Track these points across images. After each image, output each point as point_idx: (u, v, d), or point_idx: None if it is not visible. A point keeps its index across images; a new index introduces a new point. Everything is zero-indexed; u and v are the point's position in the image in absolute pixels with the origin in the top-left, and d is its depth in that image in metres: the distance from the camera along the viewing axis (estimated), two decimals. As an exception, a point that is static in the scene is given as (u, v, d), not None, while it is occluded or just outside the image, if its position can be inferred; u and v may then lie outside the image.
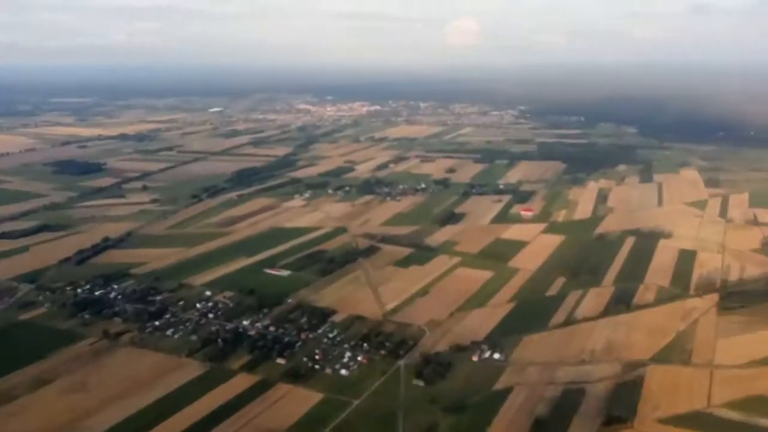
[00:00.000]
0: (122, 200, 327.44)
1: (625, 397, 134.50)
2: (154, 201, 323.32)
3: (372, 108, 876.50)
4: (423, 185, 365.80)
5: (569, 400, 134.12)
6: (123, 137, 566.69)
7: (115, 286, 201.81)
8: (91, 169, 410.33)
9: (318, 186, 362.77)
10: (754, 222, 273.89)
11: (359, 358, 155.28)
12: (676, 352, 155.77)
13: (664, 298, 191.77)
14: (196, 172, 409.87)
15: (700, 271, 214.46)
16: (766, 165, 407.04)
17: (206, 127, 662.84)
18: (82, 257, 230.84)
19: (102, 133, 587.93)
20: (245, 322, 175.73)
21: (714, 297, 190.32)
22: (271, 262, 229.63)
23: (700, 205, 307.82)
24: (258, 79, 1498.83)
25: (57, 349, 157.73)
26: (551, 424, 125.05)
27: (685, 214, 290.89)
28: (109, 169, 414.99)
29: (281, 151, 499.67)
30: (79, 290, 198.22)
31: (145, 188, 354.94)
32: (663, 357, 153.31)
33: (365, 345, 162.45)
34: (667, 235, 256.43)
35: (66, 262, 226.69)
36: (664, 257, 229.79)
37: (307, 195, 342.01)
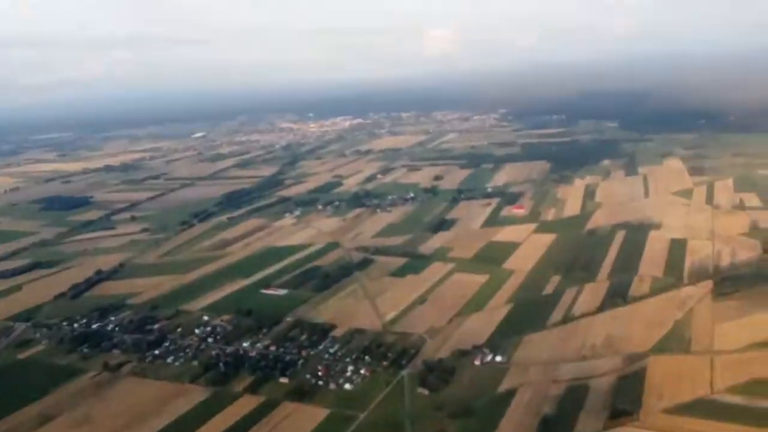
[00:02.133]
0: (112, 232, 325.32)
1: (628, 389, 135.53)
2: (144, 230, 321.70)
3: (355, 122, 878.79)
4: (412, 194, 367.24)
5: (574, 397, 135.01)
6: (108, 169, 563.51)
7: (112, 318, 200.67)
8: (78, 203, 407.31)
9: (307, 203, 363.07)
10: (741, 207, 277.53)
11: (362, 371, 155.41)
12: (675, 341, 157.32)
13: (658, 288, 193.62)
14: (185, 198, 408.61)
15: (692, 259, 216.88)
16: (748, 149, 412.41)
17: (190, 153, 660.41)
18: (77, 292, 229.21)
19: (86, 167, 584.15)
20: (245, 344, 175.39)
21: (708, 284, 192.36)
22: (266, 282, 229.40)
23: (686, 193, 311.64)
24: (239, 101, 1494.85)
25: (58, 385, 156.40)
26: (558, 422, 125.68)
27: (672, 204, 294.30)
28: (96, 201, 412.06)
29: (268, 170, 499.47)
30: (75, 325, 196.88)
31: (133, 218, 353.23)
32: (663, 347, 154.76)
33: (367, 357, 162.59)
34: (657, 226, 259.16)
35: (60, 297, 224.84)
36: (655, 248, 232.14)
37: (297, 213, 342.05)
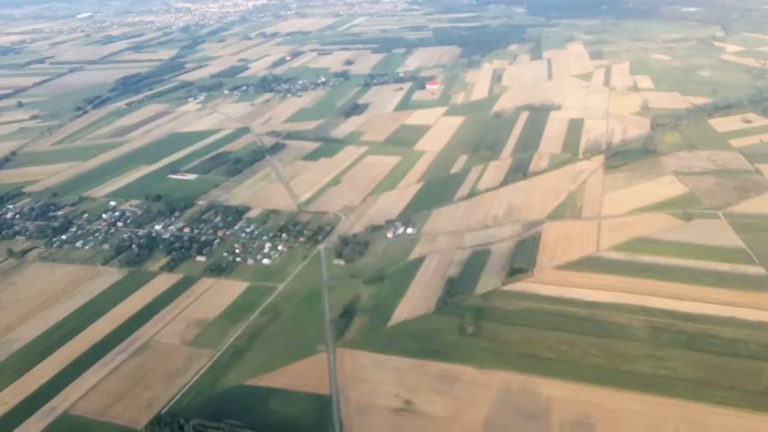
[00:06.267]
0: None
1: (525, 251, 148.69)
2: (33, 117, 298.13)
3: (259, 2, 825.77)
4: (323, 79, 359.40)
5: (476, 260, 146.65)
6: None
7: (10, 206, 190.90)
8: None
9: (212, 88, 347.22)
10: (634, 88, 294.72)
11: (279, 248, 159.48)
12: (568, 209, 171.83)
13: (556, 163, 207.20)
14: (75, 83, 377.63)
15: (587, 136, 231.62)
16: (644, 35, 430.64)
17: (77, 35, 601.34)
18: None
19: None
20: (158, 227, 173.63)
21: (600, 158, 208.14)
22: (174, 167, 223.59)
23: (586, 76, 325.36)
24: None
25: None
26: (462, 282, 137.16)
27: (572, 86, 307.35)
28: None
29: (166, 54, 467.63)
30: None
31: (20, 105, 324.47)
32: (557, 214, 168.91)
33: (284, 235, 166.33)
34: (557, 107, 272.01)
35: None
36: (555, 127, 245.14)
37: (201, 98, 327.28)
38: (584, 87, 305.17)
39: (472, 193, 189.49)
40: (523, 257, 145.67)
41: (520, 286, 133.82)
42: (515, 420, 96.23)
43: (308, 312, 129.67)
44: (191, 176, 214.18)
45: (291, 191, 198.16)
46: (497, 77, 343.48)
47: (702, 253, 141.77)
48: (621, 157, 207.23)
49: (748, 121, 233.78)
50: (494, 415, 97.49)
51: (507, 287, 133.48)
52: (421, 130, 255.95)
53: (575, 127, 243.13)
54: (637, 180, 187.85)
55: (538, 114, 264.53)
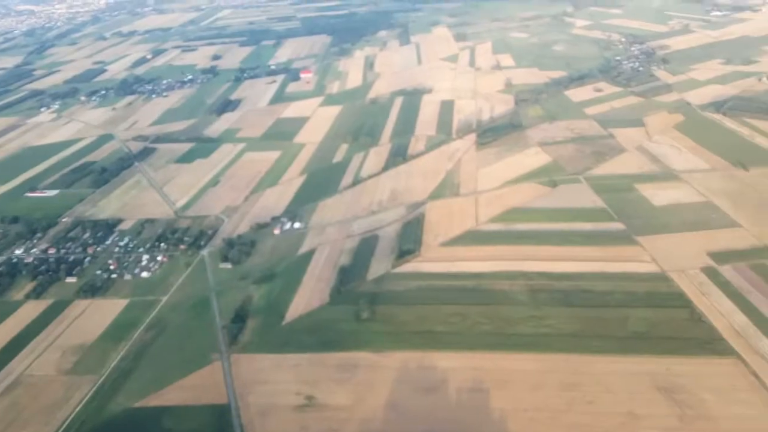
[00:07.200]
0: None
1: (411, 233, 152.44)
2: None
3: (111, 0, 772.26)
4: (189, 76, 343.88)
5: (366, 247, 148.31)
6: None
7: None
8: None
9: (66, 95, 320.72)
10: (498, 67, 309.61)
11: (159, 258, 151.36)
12: (447, 188, 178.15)
13: (432, 145, 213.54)
14: None
15: (458, 116, 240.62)
16: (503, 14, 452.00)
17: None
18: None
19: None
20: (18, 251, 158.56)
21: (472, 137, 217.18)
22: (31, 184, 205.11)
23: (453, 58, 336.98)
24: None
25: None
26: (353, 269, 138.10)
27: (441, 69, 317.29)
28: None
29: (9, 61, 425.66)
30: None
31: None
32: (438, 194, 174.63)
33: (162, 245, 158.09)
34: (429, 90, 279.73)
35: None
36: (428, 110, 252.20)
37: (55, 106, 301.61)
38: (452, 69, 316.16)
39: (356, 181, 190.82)
40: (409, 238, 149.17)
41: (409, 266, 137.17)
42: (415, 396, 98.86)
43: (197, 321, 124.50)
44: (51, 192, 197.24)
45: (166, 197, 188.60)
46: (369, 64, 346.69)
47: (569, 215, 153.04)
48: (490, 134, 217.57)
49: (599, 90, 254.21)
50: (395, 395, 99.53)
51: (397, 269, 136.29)
52: (299, 122, 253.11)
53: (447, 108, 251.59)
54: (506, 154, 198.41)
55: (412, 98, 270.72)
